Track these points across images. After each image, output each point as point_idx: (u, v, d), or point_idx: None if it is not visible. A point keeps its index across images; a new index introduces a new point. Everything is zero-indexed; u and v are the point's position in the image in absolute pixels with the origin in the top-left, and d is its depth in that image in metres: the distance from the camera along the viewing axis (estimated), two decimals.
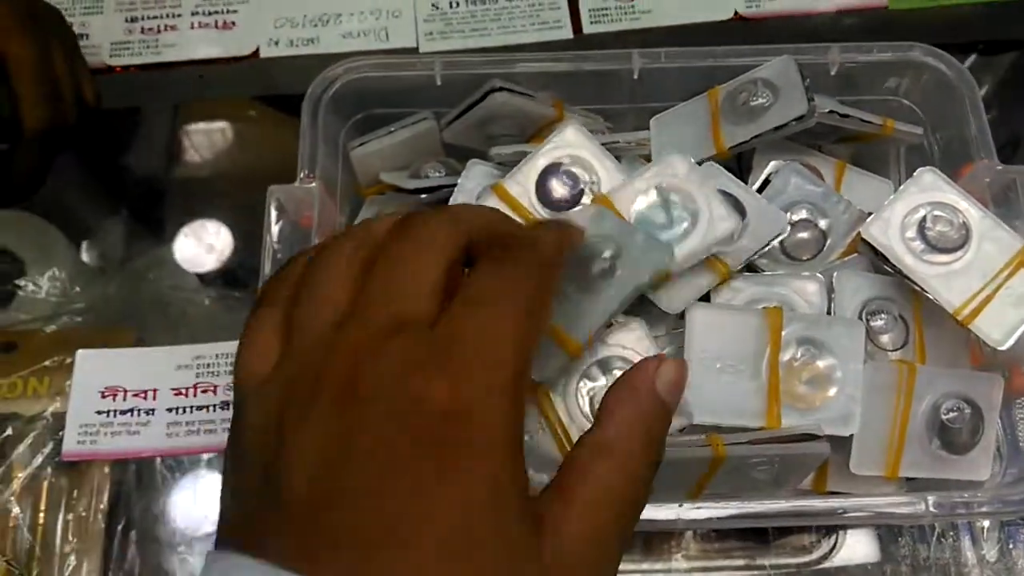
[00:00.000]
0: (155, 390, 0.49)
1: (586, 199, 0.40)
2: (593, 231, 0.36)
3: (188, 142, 0.61)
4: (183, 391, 0.49)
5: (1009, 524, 0.49)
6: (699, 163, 0.41)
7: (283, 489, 0.21)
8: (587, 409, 0.36)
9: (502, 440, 0.22)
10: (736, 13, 0.63)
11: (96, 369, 0.50)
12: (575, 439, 0.34)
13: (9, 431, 0.50)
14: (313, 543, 0.20)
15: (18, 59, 0.47)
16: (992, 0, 0.64)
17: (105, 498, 0.48)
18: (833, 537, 0.49)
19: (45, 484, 0.48)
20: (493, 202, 0.41)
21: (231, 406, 0.27)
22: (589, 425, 0.34)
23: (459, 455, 0.21)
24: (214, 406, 0.49)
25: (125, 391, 0.50)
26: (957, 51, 0.46)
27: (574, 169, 0.41)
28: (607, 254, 0.35)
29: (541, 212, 0.40)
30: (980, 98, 0.44)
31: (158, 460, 0.49)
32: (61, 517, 0.47)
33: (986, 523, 0.49)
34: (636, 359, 0.36)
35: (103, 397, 0.50)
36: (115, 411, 0.49)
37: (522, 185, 0.41)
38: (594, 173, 0.41)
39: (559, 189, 0.41)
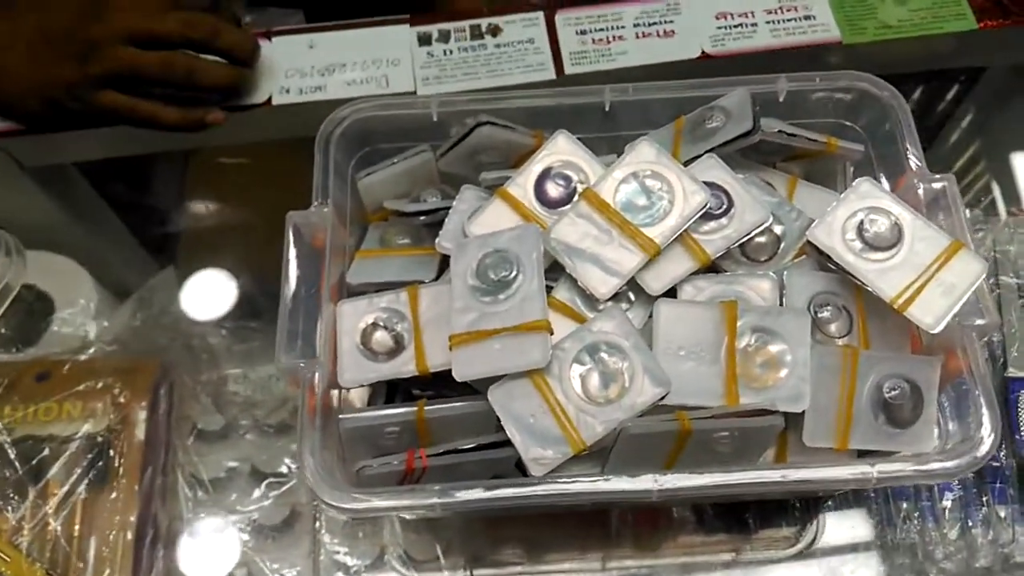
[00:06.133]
0: None
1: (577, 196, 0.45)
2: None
3: (199, 186, 0.66)
4: None
5: (968, 505, 0.53)
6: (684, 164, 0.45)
7: None
8: (579, 390, 0.40)
9: None
10: (703, 52, 0.69)
11: None
12: (572, 416, 0.39)
13: (46, 451, 0.54)
14: None
15: None
16: (940, 33, 0.69)
17: (135, 513, 0.51)
18: (813, 526, 0.53)
19: (80, 500, 0.52)
20: (498, 205, 0.46)
21: None
22: (583, 404, 0.39)
23: None
24: None
25: None
26: (909, 80, 0.50)
27: (566, 172, 0.46)
28: None
29: (539, 210, 0.46)
30: (911, 117, 0.48)
31: (181, 478, 0.54)
32: (94, 530, 0.51)
33: (947, 504, 0.53)
34: (617, 342, 0.40)
35: None
36: None
37: (522, 187, 0.46)
38: (582, 173, 0.46)
39: (554, 189, 0.46)
